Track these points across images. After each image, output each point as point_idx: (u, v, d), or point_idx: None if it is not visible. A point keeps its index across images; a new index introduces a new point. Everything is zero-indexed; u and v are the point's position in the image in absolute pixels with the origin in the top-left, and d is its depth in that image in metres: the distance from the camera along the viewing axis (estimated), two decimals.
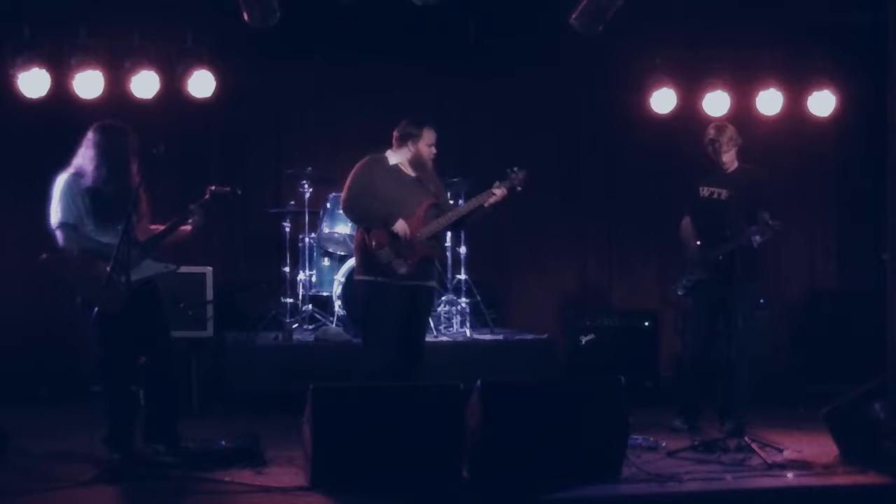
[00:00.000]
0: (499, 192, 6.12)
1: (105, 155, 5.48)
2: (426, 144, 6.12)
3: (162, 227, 5.66)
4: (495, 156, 8.53)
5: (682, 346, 6.74)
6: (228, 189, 5.72)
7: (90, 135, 5.56)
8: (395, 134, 6.17)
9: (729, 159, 6.57)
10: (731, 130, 6.59)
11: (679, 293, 6.74)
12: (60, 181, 5.50)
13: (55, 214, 5.46)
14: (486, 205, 6.14)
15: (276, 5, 6.96)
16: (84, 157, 5.53)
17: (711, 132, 6.59)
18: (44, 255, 5.47)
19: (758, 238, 6.13)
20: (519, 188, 6.19)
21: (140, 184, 5.52)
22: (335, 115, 8.64)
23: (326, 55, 8.43)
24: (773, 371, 7.85)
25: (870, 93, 7.93)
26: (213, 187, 5.72)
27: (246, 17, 7.02)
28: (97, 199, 5.44)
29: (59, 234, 5.47)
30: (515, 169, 6.18)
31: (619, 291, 9.19)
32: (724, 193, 6.49)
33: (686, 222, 6.75)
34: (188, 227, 5.67)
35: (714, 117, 8.32)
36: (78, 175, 5.50)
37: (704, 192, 6.61)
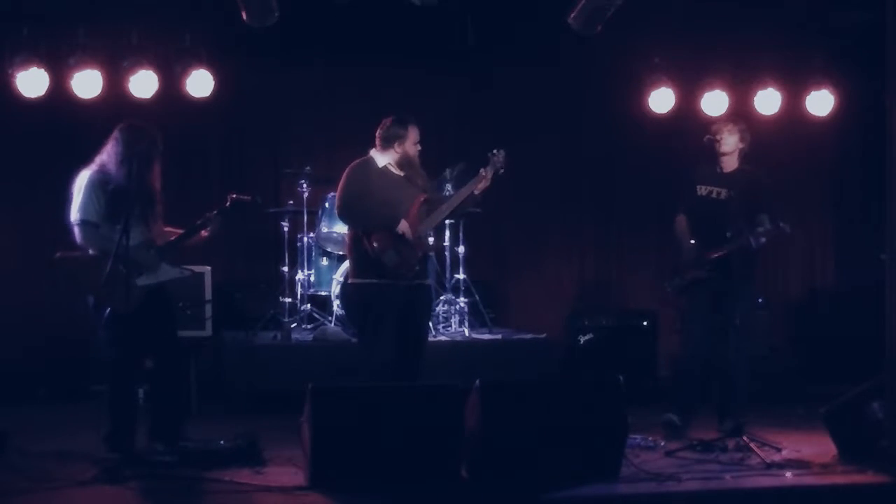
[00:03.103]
0: (483, 180, 6.13)
1: (128, 154, 5.49)
2: (412, 143, 6.12)
3: (177, 231, 5.67)
4: None
5: (680, 345, 6.69)
6: (249, 198, 5.72)
7: (116, 133, 5.58)
8: (378, 135, 6.16)
9: (732, 160, 6.51)
10: (744, 128, 6.53)
11: (668, 290, 6.63)
12: (83, 178, 5.51)
13: (76, 211, 5.47)
14: (475, 192, 6.16)
15: (274, 5, 6.95)
16: (108, 155, 5.55)
17: (726, 130, 6.49)
18: (58, 254, 5.47)
19: (763, 241, 6.12)
20: (501, 170, 6.19)
21: (159, 185, 5.56)
22: (334, 115, 8.65)
23: (325, 55, 8.44)
24: (772, 371, 7.85)
25: (869, 92, 7.93)
26: (234, 195, 5.72)
27: (244, 16, 7.02)
28: (118, 198, 5.45)
29: (77, 231, 5.47)
30: (495, 151, 6.19)
31: (617, 291, 9.20)
32: (724, 193, 6.43)
33: (681, 220, 6.65)
34: (204, 233, 5.69)
35: (713, 117, 8.34)
36: (100, 173, 5.51)
37: (702, 190, 6.54)
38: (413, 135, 6.11)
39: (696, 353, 6.51)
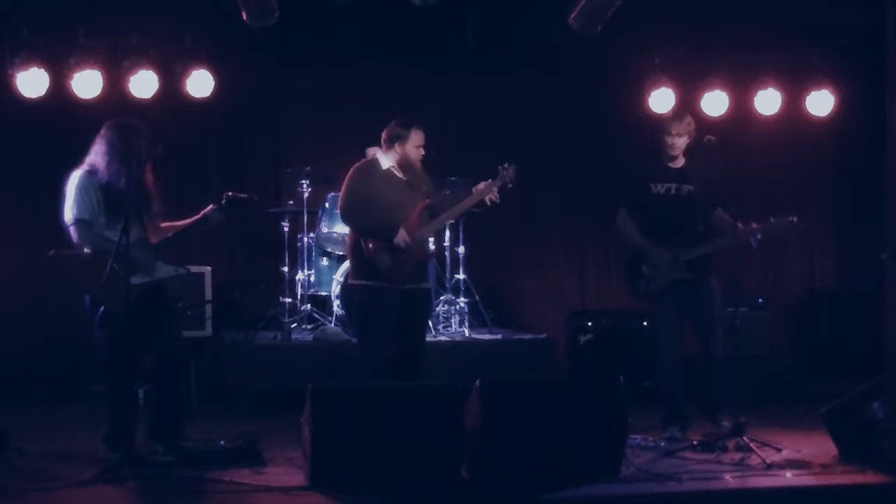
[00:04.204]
0: (490, 193, 6.08)
1: (118, 151, 5.49)
2: (414, 146, 6.08)
3: (175, 225, 5.66)
4: (495, 156, 8.49)
5: (657, 350, 6.52)
6: (245, 196, 5.70)
7: (104, 131, 5.57)
8: (383, 136, 6.16)
9: (679, 155, 6.39)
10: (693, 125, 6.45)
11: (640, 296, 6.42)
12: (74, 178, 5.50)
13: (69, 211, 5.46)
14: (486, 200, 6.11)
15: (274, 4, 6.95)
16: (97, 154, 5.53)
17: (682, 126, 6.37)
18: (52, 252, 5.46)
19: (759, 237, 6.10)
20: (510, 185, 6.15)
21: (153, 182, 5.55)
22: (334, 115, 8.64)
23: (325, 55, 8.44)
24: (771, 371, 7.85)
25: (869, 92, 7.92)
26: (230, 193, 5.70)
27: (245, 16, 7.02)
28: (110, 196, 5.44)
29: (72, 231, 5.46)
30: (506, 165, 6.14)
31: (617, 291, 9.17)
32: (685, 189, 6.30)
33: (627, 219, 6.42)
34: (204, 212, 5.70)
35: (713, 117, 8.35)
36: (91, 171, 5.50)
37: (659, 188, 6.34)
38: (415, 137, 6.07)
39: (677, 355, 6.40)
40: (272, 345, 7.56)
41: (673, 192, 6.34)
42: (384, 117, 6.30)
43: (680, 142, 6.38)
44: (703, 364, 6.35)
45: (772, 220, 6.16)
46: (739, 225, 6.15)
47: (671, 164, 6.41)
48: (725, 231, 6.22)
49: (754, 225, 6.15)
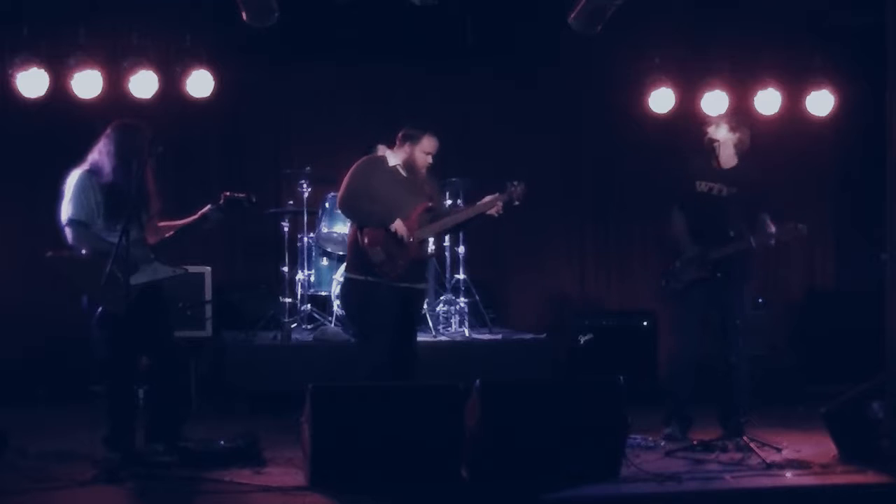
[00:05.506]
0: (495, 207, 6.08)
1: (121, 151, 5.48)
2: (422, 151, 6.08)
3: (172, 225, 5.66)
4: (495, 156, 8.55)
5: (674, 347, 6.53)
6: (243, 196, 5.69)
7: (108, 132, 5.57)
8: (399, 134, 6.17)
9: (729, 155, 6.41)
10: (744, 129, 6.47)
11: (667, 291, 6.47)
12: (74, 177, 5.48)
13: (66, 211, 5.44)
14: (488, 212, 6.10)
15: (274, 5, 6.95)
16: (101, 153, 5.53)
17: (714, 123, 6.46)
18: (49, 253, 5.45)
19: (772, 242, 6.10)
20: (517, 202, 6.13)
21: (153, 182, 5.55)
22: (334, 115, 8.65)
23: (325, 55, 8.43)
24: (772, 371, 7.84)
25: (869, 92, 7.94)
26: (228, 193, 5.69)
27: (244, 16, 7.02)
28: (110, 197, 5.43)
29: (68, 231, 5.45)
30: (515, 183, 6.12)
31: (617, 291, 9.20)
32: (725, 189, 6.33)
33: (678, 216, 6.50)
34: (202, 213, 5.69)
35: (713, 117, 8.32)
36: (92, 172, 5.49)
37: (702, 186, 6.38)
38: (426, 143, 6.07)
39: (692, 355, 6.42)
40: (272, 345, 7.56)
41: (715, 192, 6.35)
42: (384, 117, 6.32)
43: (718, 133, 6.37)
44: (721, 368, 6.31)
45: (786, 224, 6.17)
46: (771, 224, 6.19)
47: (721, 165, 6.40)
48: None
49: (769, 230, 6.16)
